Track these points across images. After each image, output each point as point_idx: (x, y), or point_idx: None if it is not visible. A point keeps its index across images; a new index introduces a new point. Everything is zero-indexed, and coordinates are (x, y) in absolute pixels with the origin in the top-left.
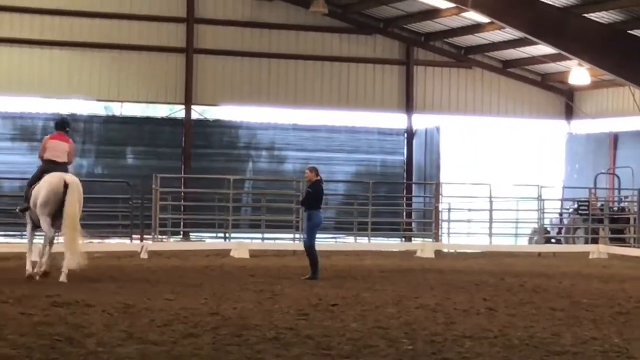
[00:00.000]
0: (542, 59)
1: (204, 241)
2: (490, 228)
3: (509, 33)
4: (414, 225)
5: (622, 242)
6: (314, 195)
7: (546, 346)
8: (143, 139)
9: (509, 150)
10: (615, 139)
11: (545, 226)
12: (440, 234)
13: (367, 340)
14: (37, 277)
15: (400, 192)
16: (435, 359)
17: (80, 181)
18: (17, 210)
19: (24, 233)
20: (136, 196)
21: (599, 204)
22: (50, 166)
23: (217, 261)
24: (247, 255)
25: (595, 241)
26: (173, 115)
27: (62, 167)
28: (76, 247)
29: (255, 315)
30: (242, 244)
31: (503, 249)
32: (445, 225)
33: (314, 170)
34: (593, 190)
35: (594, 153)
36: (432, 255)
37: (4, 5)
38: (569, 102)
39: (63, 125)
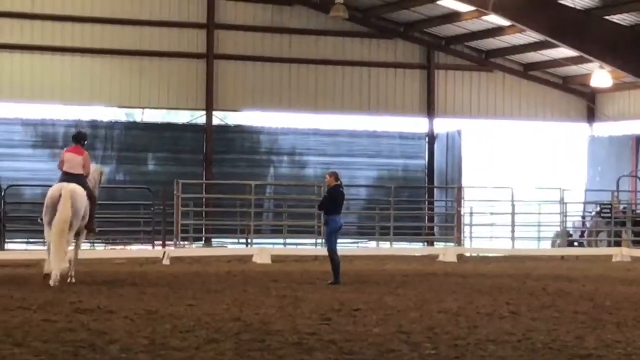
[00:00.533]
0: (564, 62)
1: (226, 247)
2: (513, 232)
3: (530, 36)
4: (436, 229)
5: None
6: (331, 200)
7: (569, 350)
8: (164, 145)
9: (530, 153)
10: (637, 142)
11: (568, 229)
12: (462, 238)
13: (389, 345)
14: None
15: (422, 196)
16: None
17: (102, 188)
18: (39, 221)
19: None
20: (158, 202)
21: (622, 207)
22: (66, 177)
23: (239, 267)
24: (269, 261)
25: (618, 244)
26: (194, 121)
27: (76, 178)
28: (60, 252)
29: (278, 320)
30: (264, 250)
31: (525, 252)
32: (467, 229)
33: (334, 175)
34: (615, 193)
35: (616, 156)
36: (455, 260)
37: (25, 13)
38: (590, 105)
39: (79, 138)
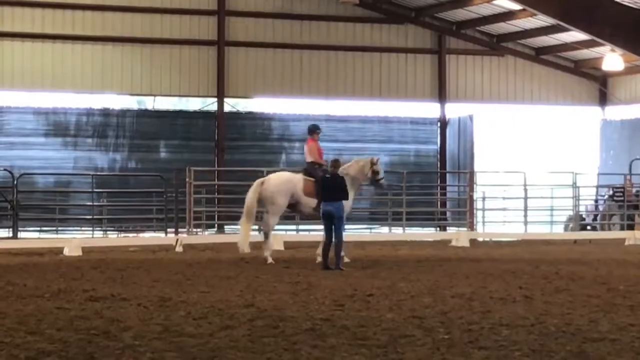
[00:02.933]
0: (575, 45)
1: (239, 233)
2: (525, 216)
3: (541, 20)
4: (448, 214)
5: None
6: (321, 187)
7: (583, 333)
8: (176, 132)
9: (542, 137)
10: None
11: (580, 213)
12: (475, 223)
13: (402, 330)
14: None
15: (434, 181)
16: (472, 347)
17: (113, 175)
18: None
19: (59, 228)
20: (170, 189)
21: (634, 190)
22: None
23: (252, 253)
24: (281, 247)
25: (630, 227)
26: (205, 108)
27: (308, 165)
28: (244, 234)
29: (291, 306)
30: (276, 236)
31: (538, 236)
32: (479, 213)
33: (329, 162)
34: (628, 176)
35: (628, 139)
36: (467, 244)
37: (36, 1)
38: (602, 88)
39: (308, 130)
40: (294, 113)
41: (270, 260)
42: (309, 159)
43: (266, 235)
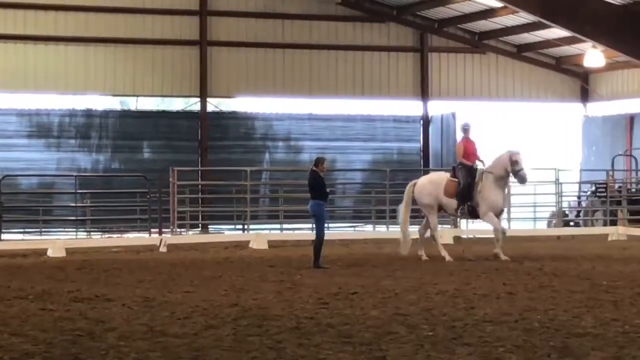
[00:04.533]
0: (556, 42)
1: (223, 233)
2: (509, 212)
3: (523, 17)
4: None
5: None
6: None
7: (567, 328)
8: (159, 132)
9: (525, 134)
10: (631, 120)
11: (564, 209)
12: (458, 220)
13: (387, 327)
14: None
15: (417, 178)
16: (456, 343)
17: (97, 176)
18: None
19: (43, 229)
20: (153, 190)
21: (617, 186)
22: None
23: (236, 252)
24: (265, 246)
25: (613, 223)
26: (188, 108)
27: (457, 165)
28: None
29: (275, 305)
30: (260, 235)
31: (521, 233)
32: None
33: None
34: (610, 172)
35: (610, 135)
36: (451, 241)
37: (17, 3)
38: (584, 85)
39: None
40: (277, 112)
41: (424, 257)
42: (458, 159)
43: (433, 237)
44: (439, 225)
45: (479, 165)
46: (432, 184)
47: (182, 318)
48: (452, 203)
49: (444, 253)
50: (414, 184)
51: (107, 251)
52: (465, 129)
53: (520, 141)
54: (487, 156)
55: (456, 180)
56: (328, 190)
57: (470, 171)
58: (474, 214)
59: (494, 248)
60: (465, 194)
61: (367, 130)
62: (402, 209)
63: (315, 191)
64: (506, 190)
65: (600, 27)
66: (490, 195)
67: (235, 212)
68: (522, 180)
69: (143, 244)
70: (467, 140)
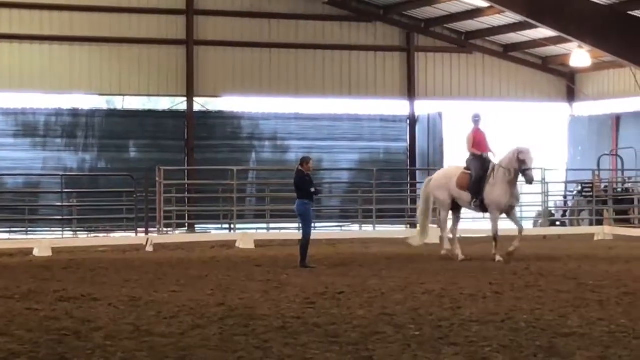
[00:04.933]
0: (543, 42)
1: (209, 232)
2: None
3: (509, 17)
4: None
5: (626, 222)
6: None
7: (553, 328)
8: (145, 131)
9: (511, 133)
10: (617, 120)
11: (550, 209)
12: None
13: (374, 327)
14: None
15: (404, 178)
16: (442, 343)
17: (83, 175)
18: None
19: (29, 228)
20: (140, 189)
21: (603, 185)
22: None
23: (223, 252)
24: (252, 246)
25: (599, 222)
26: (175, 108)
27: (469, 157)
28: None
29: (262, 304)
30: (247, 234)
31: (508, 232)
32: None
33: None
34: (596, 172)
35: (596, 134)
36: (437, 241)
37: (3, 1)
38: (570, 85)
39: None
40: (263, 112)
41: (461, 256)
42: (468, 150)
43: (442, 231)
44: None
45: (491, 157)
46: (446, 177)
47: (169, 317)
48: (464, 196)
49: (446, 250)
50: (430, 179)
51: (93, 250)
52: (476, 120)
53: (507, 140)
54: (499, 149)
55: (469, 172)
56: (313, 189)
57: (483, 163)
58: (484, 208)
59: (492, 249)
60: (477, 187)
61: (354, 129)
62: (420, 205)
63: (301, 191)
64: (516, 186)
65: (586, 27)
66: (494, 191)
67: (222, 212)
68: (528, 180)
69: (129, 243)
70: (477, 130)
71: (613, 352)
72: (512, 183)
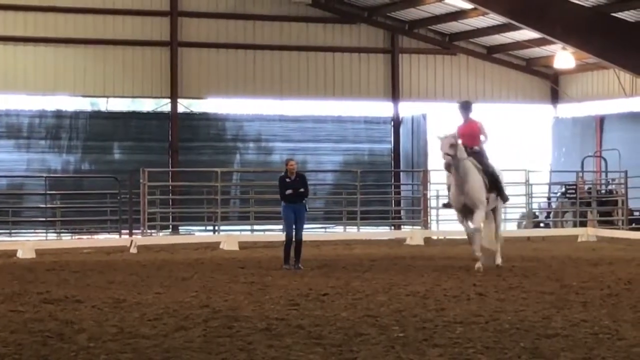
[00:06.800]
0: (526, 44)
1: (193, 234)
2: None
3: (493, 18)
4: (402, 212)
5: (610, 224)
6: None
7: (536, 329)
8: (129, 133)
9: (495, 135)
10: (601, 122)
11: (534, 210)
12: (429, 221)
13: (357, 329)
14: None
15: (388, 180)
16: (426, 345)
17: (67, 177)
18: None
19: (12, 230)
20: (124, 191)
21: (587, 187)
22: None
23: (207, 254)
24: (236, 247)
25: (583, 224)
26: (159, 109)
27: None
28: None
29: (246, 306)
30: (231, 236)
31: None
32: (433, 212)
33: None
34: (580, 174)
35: (580, 136)
36: (422, 243)
37: None
38: (554, 86)
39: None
40: (247, 113)
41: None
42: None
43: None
44: (410, 227)
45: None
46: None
47: (153, 319)
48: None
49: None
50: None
51: (77, 252)
52: (463, 110)
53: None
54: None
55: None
56: (290, 191)
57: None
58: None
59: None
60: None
61: (338, 131)
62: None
63: (279, 194)
64: (469, 179)
65: (570, 29)
66: (451, 190)
67: (206, 213)
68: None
69: (113, 245)
70: (468, 123)
71: (597, 354)
72: (457, 177)
